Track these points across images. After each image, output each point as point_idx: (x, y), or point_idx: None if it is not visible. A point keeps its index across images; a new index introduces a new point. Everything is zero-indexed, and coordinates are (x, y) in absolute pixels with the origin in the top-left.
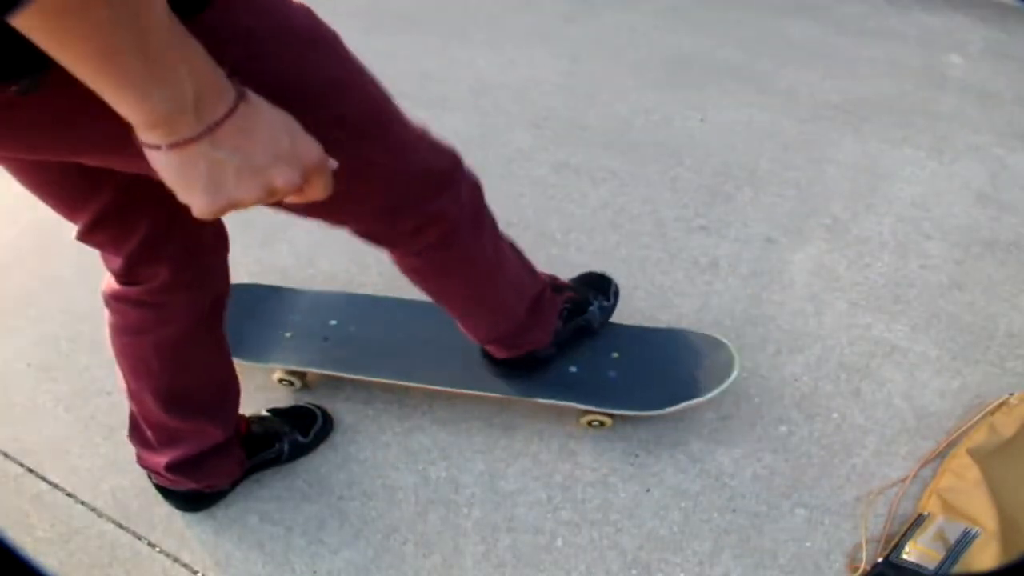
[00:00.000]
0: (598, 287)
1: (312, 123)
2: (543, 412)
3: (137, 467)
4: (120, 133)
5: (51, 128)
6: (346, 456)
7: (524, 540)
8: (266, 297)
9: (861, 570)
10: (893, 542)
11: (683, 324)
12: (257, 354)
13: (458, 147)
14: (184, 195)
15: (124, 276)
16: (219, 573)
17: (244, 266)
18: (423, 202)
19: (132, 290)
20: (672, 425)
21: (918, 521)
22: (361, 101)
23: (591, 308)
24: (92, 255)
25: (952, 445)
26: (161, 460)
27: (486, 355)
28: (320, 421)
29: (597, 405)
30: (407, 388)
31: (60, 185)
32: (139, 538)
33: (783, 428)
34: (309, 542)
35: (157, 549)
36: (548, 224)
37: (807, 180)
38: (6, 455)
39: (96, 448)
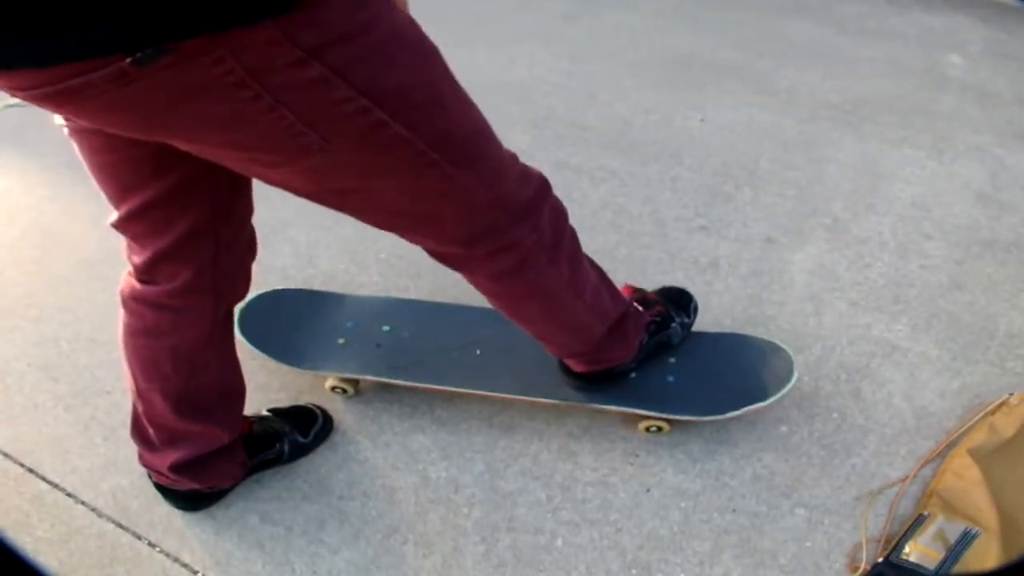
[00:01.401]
0: (679, 303)
1: (419, 134)
2: (543, 412)
3: (137, 467)
4: (227, 117)
5: (161, 103)
6: (346, 456)
7: (524, 540)
8: (316, 303)
9: (861, 570)
10: (893, 542)
11: None
12: (312, 362)
13: None
14: None
15: (146, 273)
16: (219, 573)
17: None
18: (503, 230)
19: (150, 291)
20: (673, 425)
21: (918, 521)
22: (464, 120)
23: (674, 324)
24: (93, 256)
25: (952, 445)
26: (164, 460)
27: (562, 365)
28: (320, 421)
29: (657, 411)
30: (407, 388)
31: (126, 166)
32: (139, 538)
33: (783, 428)
34: (309, 542)
35: (157, 549)
36: None
37: (807, 180)
38: (6, 455)
39: (96, 448)
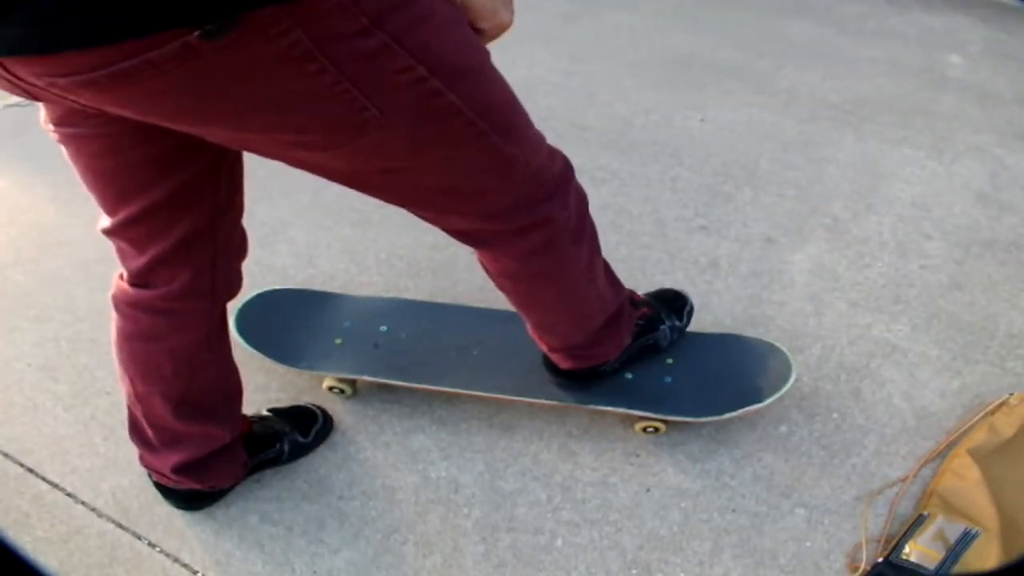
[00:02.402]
0: (672, 305)
1: (468, 104)
2: (543, 412)
3: (137, 467)
4: (285, 96)
5: (218, 84)
6: (346, 456)
7: (524, 540)
8: (314, 303)
9: (861, 570)
10: (893, 542)
11: None
12: (308, 362)
13: None
14: (491, 9)
15: (141, 277)
16: (219, 573)
17: (244, 266)
18: (535, 204)
19: (146, 295)
20: (672, 425)
21: (918, 521)
22: (504, 96)
23: (662, 327)
24: (92, 256)
25: (952, 445)
26: (165, 462)
27: (547, 363)
28: (320, 421)
29: (653, 411)
30: (407, 388)
31: (126, 171)
32: (139, 538)
33: (783, 428)
34: (309, 542)
35: (157, 549)
36: None
37: (807, 180)
38: (6, 455)
39: (96, 448)
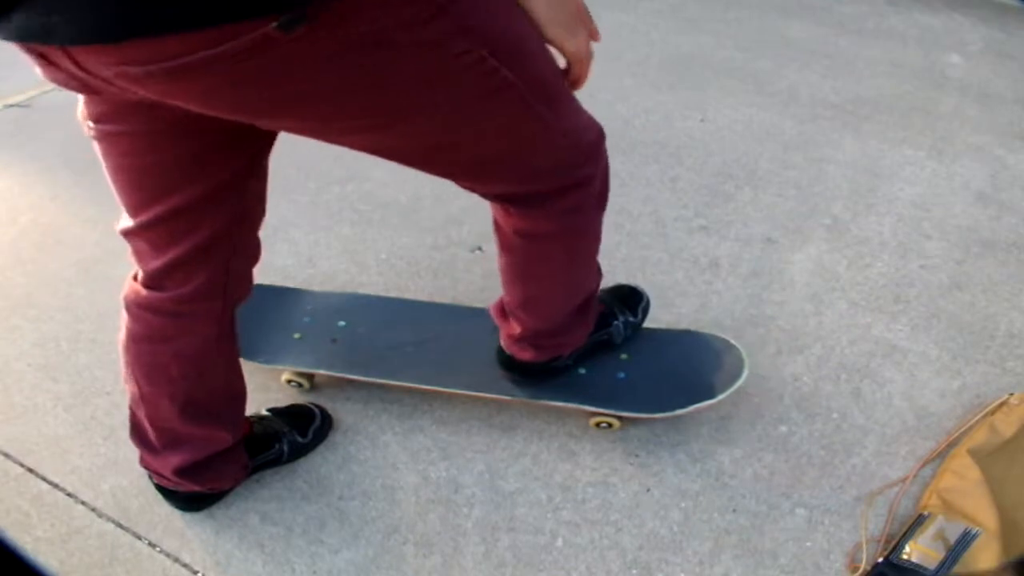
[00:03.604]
0: (627, 301)
1: (520, 77)
2: (543, 412)
3: (137, 467)
4: (357, 82)
5: (291, 71)
6: (346, 456)
7: (524, 540)
8: (273, 298)
9: (861, 570)
10: (893, 542)
11: (683, 324)
12: (266, 356)
13: None
14: (562, 35)
15: (156, 279)
16: (219, 573)
17: None
18: (574, 167)
19: (157, 297)
20: (672, 425)
21: (918, 521)
22: (550, 67)
23: (615, 323)
24: (92, 255)
25: (952, 445)
26: (167, 464)
27: (502, 357)
28: (319, 420)
29: (606, 407)
30: (407, 388)
31: (158, 170)
32: (139, 538)
33: (783, 428)
34: (309, 542)
35: (157, 549)
36: None
37: (807, 180)
38: (6, 455)
39: (96, 448)
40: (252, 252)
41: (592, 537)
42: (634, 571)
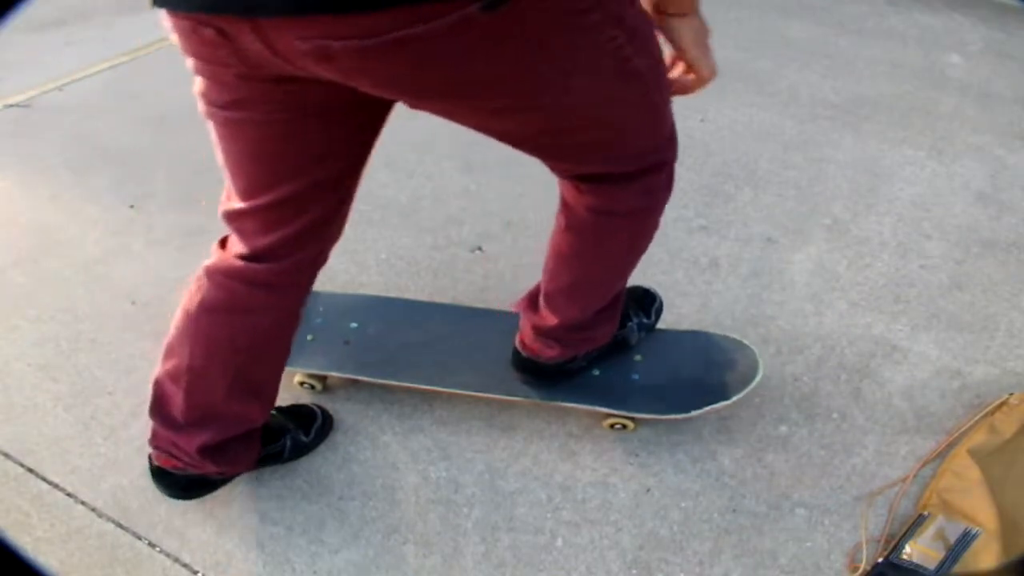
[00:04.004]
0: (641, 303)
1: (644, 63)
2: (543, 412)
3: (137, 467)
4: (531, 62)
5: (487, 51)
6: (346, 456)
7: (524, 540)
8: None
9: (861, 570)
10: (893, 542)
11: (684, 324)
12: None
13: (458, 148)
14: (700, 56)
15: (259, 254)
16: (219, 573)
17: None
18: (662, 148)
19: (255, 268)
20: (672, 425)
21: (918, 521)
22: (660, 54)
23: (630, 324)
24: (92, 256)
25: (952, 445)
26: (191, 441)
27: (517, 359)
28: (320, 420)
29: (620, 408)
30: (407, 388)
31: (285, 157)
32: (139, 538)
33: (783, 428)
34: (309, 542)
35: (157, 549)
36: (548, 224)
37: (807, 180)
38: (6, 455)
39: (96, 448)
40: (340, 232)
41: (592, 537)
42: (634, 571)
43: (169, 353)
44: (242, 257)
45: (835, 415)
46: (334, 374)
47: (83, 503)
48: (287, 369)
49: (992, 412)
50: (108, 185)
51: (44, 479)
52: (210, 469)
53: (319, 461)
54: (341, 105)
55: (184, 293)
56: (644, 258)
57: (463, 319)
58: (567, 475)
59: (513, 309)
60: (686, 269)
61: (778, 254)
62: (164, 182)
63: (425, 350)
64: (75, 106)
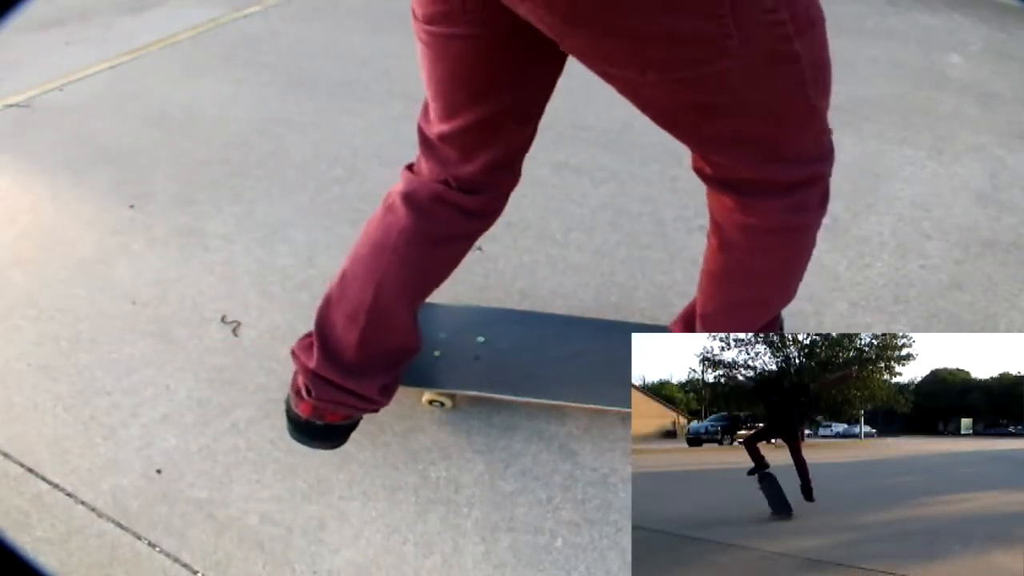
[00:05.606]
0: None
1: (807, 53)
2: (543, 412)
3: (137, 467)
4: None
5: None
6: (346, 456)
7: (524, 540)
8: None
9: None
10: None
11: None
12: (408, 376)
13: None
14: None
15: (469, 183)
16: (219, 573)
17: (243, 266)
18: (812, 161)
19: (471, 199)
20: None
21: None
22: (828, 56)
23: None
24: (92, 256)
25: None
26: (373, 382)
27: None
28: None
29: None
30: (407, 388)
31: (488, 72)
32: (139, 538)
33: None
34: (309, 542)
35: (157, 549)
36: (548, 224)
37: None
38: (6, 455)
39: (96, 448)
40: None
41: (592, 537)
42: None
43: (341, 296)
44: (447, 184)
45: None
46: (468, 393)
47: (83, 503)
48: (417, 389)
49: None
50: (108, 185)
51: (44, 479)
52: (383, 405)
53: (319, 461)
54: (533, 28)
55: (369, 224)
56: (643, 258)
57: (596, 333)
58: (567, 475)
59: (670, 328)
60: (686, 269)
61: None
62: (164, 182)
63: (561, 365)
64: (75, 106)
